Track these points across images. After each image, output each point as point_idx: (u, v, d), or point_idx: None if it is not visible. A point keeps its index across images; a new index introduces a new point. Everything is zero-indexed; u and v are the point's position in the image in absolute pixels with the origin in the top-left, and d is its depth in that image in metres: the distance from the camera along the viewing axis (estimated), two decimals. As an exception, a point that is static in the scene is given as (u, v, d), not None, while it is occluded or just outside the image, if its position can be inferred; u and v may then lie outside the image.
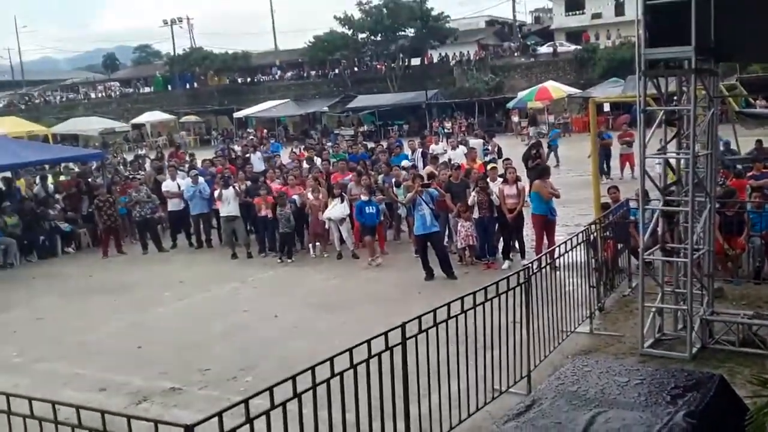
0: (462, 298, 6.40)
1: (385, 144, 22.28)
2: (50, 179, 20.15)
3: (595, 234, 9.61)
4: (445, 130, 39.74)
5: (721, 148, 12.87)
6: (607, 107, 34.47)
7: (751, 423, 3.40)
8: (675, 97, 8.42)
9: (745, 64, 18.19)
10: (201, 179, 16.51)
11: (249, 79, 61.18)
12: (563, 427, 4.61)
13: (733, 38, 7.84)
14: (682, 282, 8.51)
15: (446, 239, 13.75)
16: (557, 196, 12.90)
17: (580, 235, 9.12)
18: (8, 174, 20.04)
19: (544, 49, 53.70)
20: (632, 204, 11.02)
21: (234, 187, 15.36)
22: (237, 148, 27.64)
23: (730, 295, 10.11)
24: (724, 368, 7.35)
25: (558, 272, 8.87)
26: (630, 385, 5.16)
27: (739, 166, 13.67)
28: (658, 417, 4.53)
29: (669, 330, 8.70)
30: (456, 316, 6.34)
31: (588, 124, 20.57)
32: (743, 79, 16.73)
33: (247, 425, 4.44)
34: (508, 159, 15.64)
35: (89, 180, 19.41)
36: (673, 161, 8.61)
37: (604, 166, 20.81)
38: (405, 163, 17.71)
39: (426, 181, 13.23)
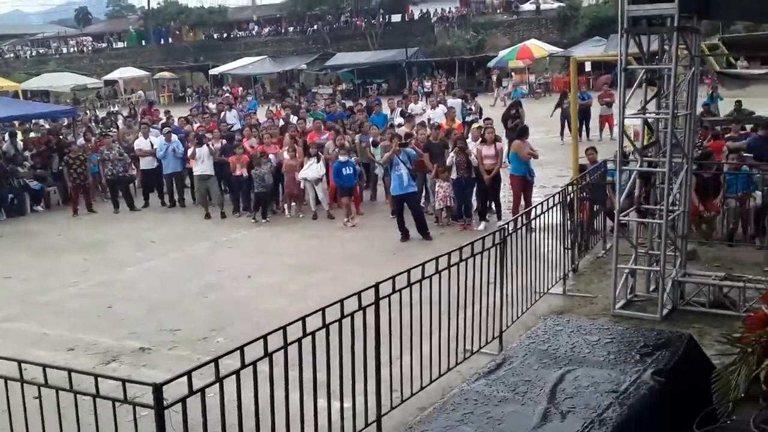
0: (437, 259, 6.33)
1: (363, 103, 22.01)
2: (20, 136, 19.62)
3: (571, 195, 9.58)
4: (425, 90, 39.40)
5: (701, 109, 12.85)
6: (588, 67, 34.29)
7: (717, 380, 3.39)
8: (656, 57, 8.32)
9: (728, 24, 18.08)
10: (174, 137, 16.22)
11: (225, 35, 60.06)
12: (532, 385, 4.61)
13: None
14: (656, 243, 8.53)
15: (423, 200, 13.68)
16: (536, 157, 12.83)
17: (557, 196, 9.08)
18: (-24, 130, 19.57)
19: (527, 6, 52.97)
20: (610, 165, 10.99)
21: (208, 145, 15.10)
22: (212, 105, 27.17)
23: (703, 257, 10.16)
24: (694, 329, 7.40)
25: (533, 233, 8.85)
26: (600, 343, 5.17)
27: (717, 128, 13.67)
28: (626, 375, 4.54)
29: (641, 291, 8.74)
30: (430, 276, 6.28)
31: (569, 84, 20.47)
32: (726, 38, 16.63)
33: (217, 385, 4.37)
34: (488, 119, 15.51)
35: (60, 137, 18.98)
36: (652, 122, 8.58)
37: (583, 127, 20.69)
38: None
39: (404, 141, 13.10)
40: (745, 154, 11.77)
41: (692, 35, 8.08)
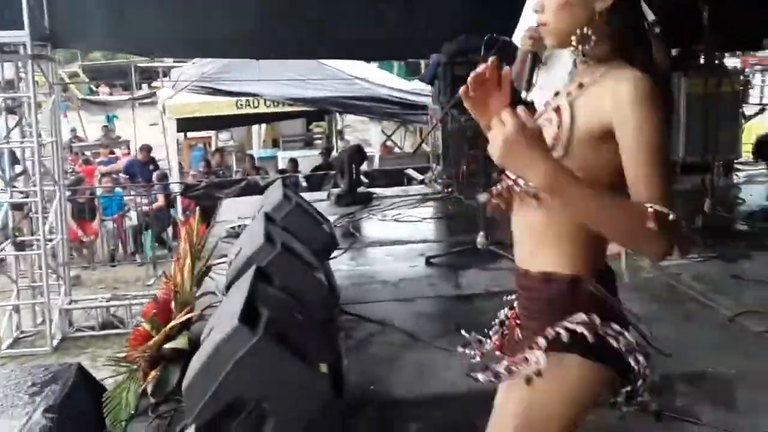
0: None
1: None
2: None
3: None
4: None
5: (69, 135, 12.95)
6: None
7: (109, 402, 3.49)
8: (14, 84, 8.15)
9: (87, 52, 18.70)
10: None
11: None
12: None
13: (67, 25, 7.89)
14: (38, 275, 8.32)
15: None
16: None
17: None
18: None
19: None
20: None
21: None
22: None
23: (88, 281, 10.28)
24: (87, 354, 7.46)
25: None
26: (-13, 394, 4.78)
27: (87, 153, 14.02)
28: (16, 420, 4.32)
29: (29, 326, 8.40)
30: None
31: None
32: (85, 66, 17.19)
33: None
34: None
35: None
36: (18, 151, 8.37)
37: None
38: None
39: None
40: (122, 175, 12.35)
41: (48, 63, 8.16)
